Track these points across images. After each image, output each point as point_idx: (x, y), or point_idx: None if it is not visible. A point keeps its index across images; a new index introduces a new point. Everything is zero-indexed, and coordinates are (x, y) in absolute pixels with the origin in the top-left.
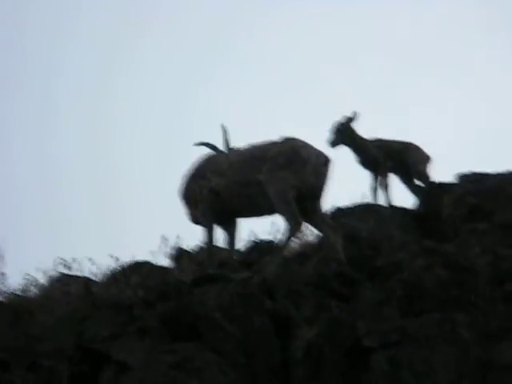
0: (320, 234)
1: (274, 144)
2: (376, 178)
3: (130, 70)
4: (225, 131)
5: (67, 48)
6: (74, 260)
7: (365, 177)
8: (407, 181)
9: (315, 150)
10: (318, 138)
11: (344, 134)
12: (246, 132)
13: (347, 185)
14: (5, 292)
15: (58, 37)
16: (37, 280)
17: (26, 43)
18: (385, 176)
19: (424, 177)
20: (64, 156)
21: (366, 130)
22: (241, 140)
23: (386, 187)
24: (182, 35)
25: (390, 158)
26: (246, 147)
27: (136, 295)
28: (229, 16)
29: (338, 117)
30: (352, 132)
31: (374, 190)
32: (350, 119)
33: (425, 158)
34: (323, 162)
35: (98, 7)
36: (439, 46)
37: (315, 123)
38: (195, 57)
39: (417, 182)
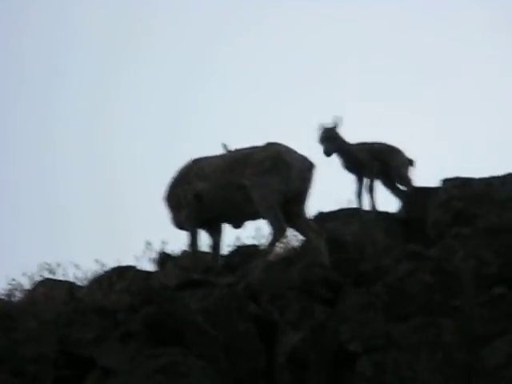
0: (304, 238)
1: (258, 148)
2: (361, 183)
3: (131, 71)
4: (226, 149)
5: (67, 48)
6: (59, 265)
7: (350, 182)
8: (390, 184)
9: (299, 155)
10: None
11: (335, 140)
12: (246, 132)
13: (333, 190)
14: None
15: (58, 37)
16: (22, 285)
17: (26, 43)
18: (372, 180)
19: (406, 180)
20: (52, 160)
21: (362, 131)
22: (242, 141)
23: (372, 191)
24: (182, 36)
25: (377, 160)
26: (230, 152)
27: (120, 300)
28: (229, 16)
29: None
30: (340, 138)
31: (359, 195)
32: (336, 125)
33: (407, 162)
34: (308, 167)
35: (99, 7)
36: (442, 46)
37: (315, 124)
38: (195, 57)
39: (399, 186)
